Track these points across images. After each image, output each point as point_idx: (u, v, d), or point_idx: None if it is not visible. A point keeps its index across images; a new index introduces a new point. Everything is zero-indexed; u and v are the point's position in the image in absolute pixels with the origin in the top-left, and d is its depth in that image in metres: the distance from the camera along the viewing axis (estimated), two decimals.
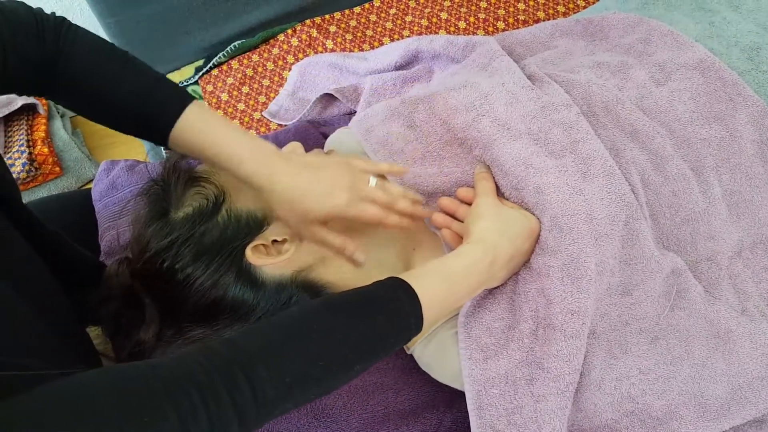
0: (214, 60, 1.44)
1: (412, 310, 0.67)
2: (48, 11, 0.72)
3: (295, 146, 0.94)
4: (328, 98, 1.29)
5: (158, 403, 0.49)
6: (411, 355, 0.90)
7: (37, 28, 0.68)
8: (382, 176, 0.86)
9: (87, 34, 0.73)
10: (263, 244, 0.83)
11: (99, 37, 0.75)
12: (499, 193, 0.84)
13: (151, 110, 0.75)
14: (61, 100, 0.74)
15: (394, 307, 0.67)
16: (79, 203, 1.18)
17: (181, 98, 0.75)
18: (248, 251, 0.82)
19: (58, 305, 0.78)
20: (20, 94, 0.73)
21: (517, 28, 1.35)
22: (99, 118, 0.77)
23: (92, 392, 0.49)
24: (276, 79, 1.39)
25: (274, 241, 0.84)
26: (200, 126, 0.75)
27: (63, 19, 0.72)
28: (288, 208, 0.78)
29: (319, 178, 0.77)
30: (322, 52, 1.39)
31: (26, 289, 0.69)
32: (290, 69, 1.39)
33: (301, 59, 1.39)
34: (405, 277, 0.70)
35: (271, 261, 0.83)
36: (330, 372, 0.61)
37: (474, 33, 1.37)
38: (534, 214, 0.79)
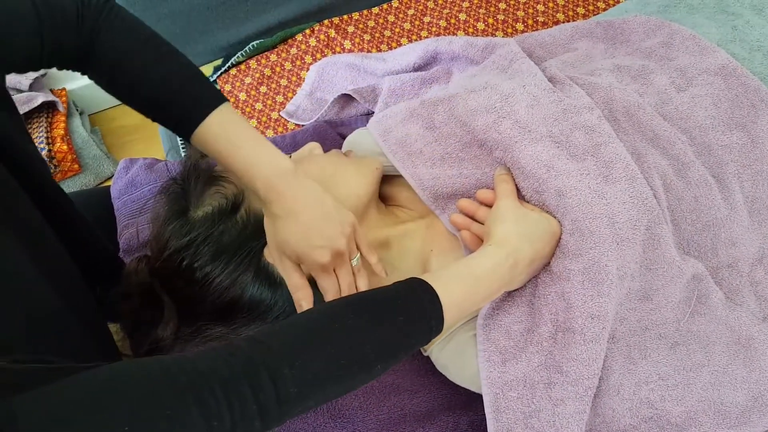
0: (233, 59, 1.44)
1: (433, 311, 0.67)
2: None
3: (313, 146, 0.94)
4: (346, 99, 1.29)
5: (182, 398, 0.49)
6: (428, 357, 0.90)
7: (77, 10, 0.68)
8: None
9: (128, 19, 0.73)
10: None
11: (142, 24, 0.74)
12: (520, 195, 0.83)
13: (179, 107, 0.74)
14: (97, 81, 0.74)
15: (415, 308, 0.67)
16: (98, 201, 1.19)
17: (210, 100, 0.75)
18: (266, 251, 0.83)
19: (85, 299, 0.78)
20: (60, 69, 0.73)
21: (537, 29, 1.34)
22: (132, 106, 0.77)
23: (116, 385, 0.49)
24: (294, 79, 1.40)
25: None
26: (221, 133, 0.74)
27: (107, 1, 0.72)
28: (272, 231, 0.79)
29: (315, 228, 0.76)
30: (340, 53, 1.39)
31: (59, 282, 0.70)
32: (308, 69, 1.39)
33: (319, 59, 1.39)
34: (426, 278, 0.69)
35: None
36: (351, 372, 0.61)
37: (493, 34, 1.36)
38: (555, 217, 0.79)
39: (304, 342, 0.60)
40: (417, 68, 1.20)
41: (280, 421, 0.56)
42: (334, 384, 0.60)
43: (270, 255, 0.82)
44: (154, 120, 0.78)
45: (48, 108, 1.89)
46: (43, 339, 0.65)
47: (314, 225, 0.76)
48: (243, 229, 0.83)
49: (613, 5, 1.35)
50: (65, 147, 1.82)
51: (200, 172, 0.86)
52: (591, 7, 1.38)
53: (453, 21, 1.40)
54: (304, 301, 0.81)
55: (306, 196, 0.76)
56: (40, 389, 0.46)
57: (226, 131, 0.74)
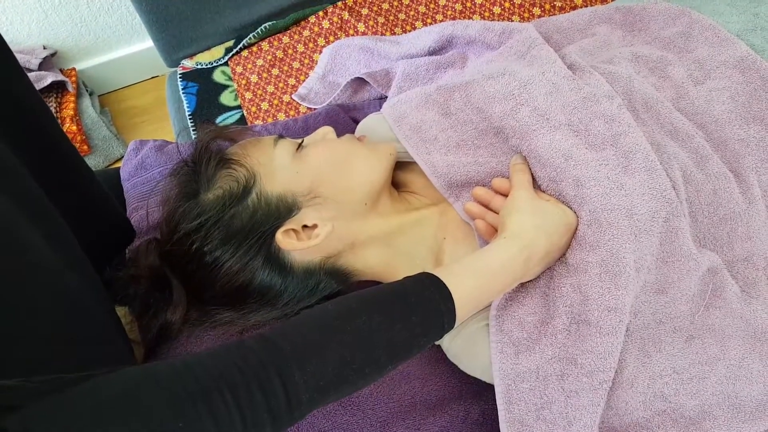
0: (245, 41, 1.43)
1: (446, 309, 0.66)
2: None
3: (327, 131, 0.93)
4: (359, 82, 1.27)
5: (194, 408, 0.49)
6: (438, 345, 0.89)
7: None
8: None
9: None
10: (293, 229, 0.83)
11: None
12: (536, 184, 0.82)
13: None
14: None
15: (428, 307, 0.65)
16: (107, 182, 1.18)
17: None
18: (279, 235, 0.82)
19: (93, 281, 0.78)
20: None
21: (554, 14, 1.32)
22: None
23: (128, 395, 0.49)
24: (306, 61, 1.38)
25: (305, 226, 0.83)
26: None
27: None
28: None
29: None
30: (353, 35, 1.37)
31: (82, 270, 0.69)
32: (321, 52, 1.37)
33: (332, 42, 1.37)
34: (439, 273, 0.68)
35: (300, 246, 0.82)
36: (363, 373, 0.60)
37: (509, 19, 1.34)
38: (572, 208, 0.78)
39: (317, 345, 0.59)
40: (432, 52, 1.19)
41: (291, 423, 0.56)
42: (345, 387, 0.59)
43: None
44: None
45: (57, 88, 1.88)
46: (69, 330, 0.64)
47: None
48: (254, 214, 0.82)
49: None
50: (74, 127, 1.81)
51: (211, 155, 0.85)
52: None
53: (469, 4, 1.38)
54: None
55: None
56: (51, 400, 0.46)
57: None
